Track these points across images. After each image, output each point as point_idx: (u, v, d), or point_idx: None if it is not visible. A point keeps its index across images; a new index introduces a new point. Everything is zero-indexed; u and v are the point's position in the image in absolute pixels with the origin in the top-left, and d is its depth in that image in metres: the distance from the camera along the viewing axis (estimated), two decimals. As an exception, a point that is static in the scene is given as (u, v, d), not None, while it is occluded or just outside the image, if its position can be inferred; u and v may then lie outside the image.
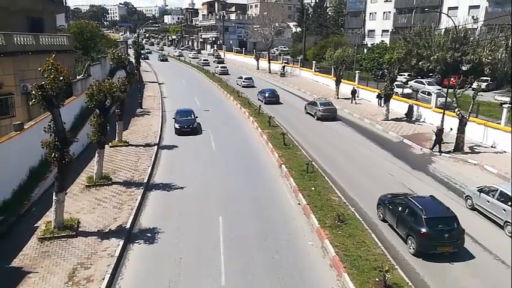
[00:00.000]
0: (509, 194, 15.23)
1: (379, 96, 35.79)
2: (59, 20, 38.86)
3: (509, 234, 14.77)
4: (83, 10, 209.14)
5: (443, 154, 23.85)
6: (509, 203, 14.94)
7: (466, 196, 17.61)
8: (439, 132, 24.19)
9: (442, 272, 12.84)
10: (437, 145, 24.20)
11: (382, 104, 34.19)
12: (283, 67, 60.68)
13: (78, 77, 29.10)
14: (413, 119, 32.24)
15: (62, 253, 13.19)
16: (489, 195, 16.13)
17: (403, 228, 14.42)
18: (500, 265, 13.28)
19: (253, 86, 48.22)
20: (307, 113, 34.35)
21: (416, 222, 13.72)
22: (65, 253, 13.20)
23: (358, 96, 40.11)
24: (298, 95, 44.38)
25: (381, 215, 16.12)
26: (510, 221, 14.79)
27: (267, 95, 39.46)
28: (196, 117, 29.62)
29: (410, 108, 32.36)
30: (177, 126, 28.20)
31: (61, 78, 13.34)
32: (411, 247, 13.77)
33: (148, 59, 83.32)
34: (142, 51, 60.86)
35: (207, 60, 76.62)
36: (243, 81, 49.65)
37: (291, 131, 28.71)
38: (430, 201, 15.11)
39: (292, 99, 41.49)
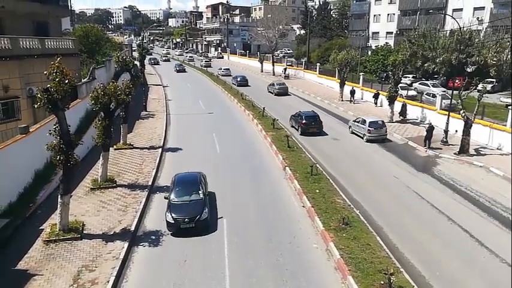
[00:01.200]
0: (366, 119, 27.37)
1: (375, 96, 37.80)
2: (64, 24, 39.19)
3: (365, 140, 26.45)
4: (88, 14, 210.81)
5: (446, 156, 23.75)
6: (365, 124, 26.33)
7: (349, 126, 29.10)
8: (430, 129, 25.26)
9: (444, 270, 12.75)
10: (427, 141, 25.26)
11: (378, 104, 37.34)
12: (285, 69, 61.44)
13: (83, 80, 29.31)
14: (406, 117, 32.76)
15: (67, 255, 13.24)
16: (357, 122, 27.67)
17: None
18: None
19: (230, 75, 59.75)
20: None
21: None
22: (70, 255, 13.25)
23: (354, 97, 40.44)
24: (302, 97, 44.30)
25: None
26: (366, 134, 26.41)
27: (238, 79, 52.10)
28: (207, 195, 16.43)
29: (404, 106, 32.84)
30: (170, 218, 14.94)
31: (66, 81, 13.44)
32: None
33: (157, 64, 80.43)
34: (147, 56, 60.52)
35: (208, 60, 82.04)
36: (222, 71, 63.62)
37: (294, 133, 28.72)
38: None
39: (294, 101, 41.50)
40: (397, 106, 32.73)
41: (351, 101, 39.90)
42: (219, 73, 63.36)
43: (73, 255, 13.26)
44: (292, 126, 30.60)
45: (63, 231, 14.26)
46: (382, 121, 27.67)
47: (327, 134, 28.82)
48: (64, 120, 13.92)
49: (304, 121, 28.72)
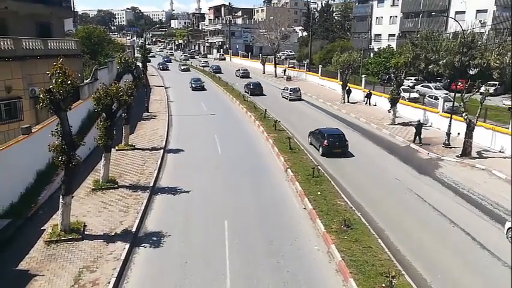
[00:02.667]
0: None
1: (367, 96, 39.94)
2: (67, 25, 39.28)
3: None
4: (90, 15, 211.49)
5: (448, 158, 23.70)
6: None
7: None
8: (419, 126, 26.59)
9: (446, 273, 12.69)
10: (418, 137, 26.50)
11: (370, 103, 39.52)
12: (285, 70, 62.11)
13: (85, 81, 29.36)
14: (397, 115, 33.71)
15: (68, 256, 13.23)
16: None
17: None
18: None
19: (221, 72, 66.99)
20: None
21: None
22: (71, 256, 13.24)
23: (349, 98, 41.50)
24: (304, 99, 44.27)
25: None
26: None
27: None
28: None
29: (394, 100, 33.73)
30: None
31: (68, 82, 13.45)
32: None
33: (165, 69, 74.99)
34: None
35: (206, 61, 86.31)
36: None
37: (296, 135, 28.68)
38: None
39: (296, 104, 41.51)
40: (412, 111, 32.68)
41: (345, 100, 40.93)
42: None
43: (74, 256, 13.25)
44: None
45: (65, 232, 14.26)
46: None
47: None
48: (66, 121, 13.94)
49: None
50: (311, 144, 26.65)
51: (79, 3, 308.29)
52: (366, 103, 39.92)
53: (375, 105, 39.18)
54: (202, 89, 50.16)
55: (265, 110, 34.91)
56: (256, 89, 47.28)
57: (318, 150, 25.09)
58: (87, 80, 29.81)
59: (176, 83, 57.10)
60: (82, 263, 12.86)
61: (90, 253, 13.44)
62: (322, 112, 37.53)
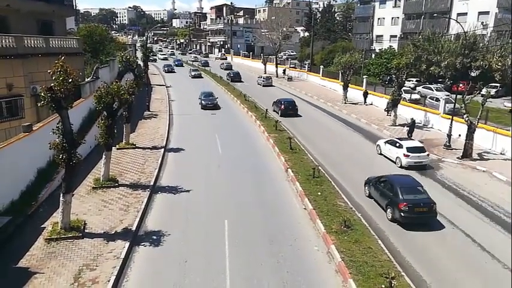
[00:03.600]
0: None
1: (364, 95, 40.41)
2: (68, 23, 39.27)
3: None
4: (92, 13, 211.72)
5: (449, 160, 23.70)
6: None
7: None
8: (412, 123, 27.93)
9: (446, 275, 12.68)
10: (409, 134, 27.37)
11: (366, 102, 40.29)
12: (284, 70, 62.79)
13: (86, 80, 29.39)
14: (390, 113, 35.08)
15: (68, 254, 13.25)
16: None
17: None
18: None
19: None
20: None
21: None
22: (71, 254, 13.25)
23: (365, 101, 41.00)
24: (305, 99, 44.27)
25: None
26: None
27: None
28: None
29: (391, 103, 35.44)
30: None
31: (70, 80, 13.46)
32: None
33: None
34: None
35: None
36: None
37: (297, 135, 28.69)
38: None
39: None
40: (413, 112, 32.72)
41: (346, 100, 41.01)
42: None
43: (74, 254, 13.26)
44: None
45: (65, 230, 14.27)
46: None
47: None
48: (67, 119, 13.95)
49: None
50: (274, 111, 36.37)
51: (81, 2, 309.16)
52: (366, 103, 40.48)
53: (371, 104, 40.05)
54: (215, 107, 38.46)
55: (266, 110, 34.95)
56: (236, 77, 58.60)
57: (278, 113, 35.25)
58: (89, 79, 29.83)
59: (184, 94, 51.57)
60: (82, 261, 12.87)
61: (90, 251, 13.45)
62: (323, 112, 37.49)
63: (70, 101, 14.08)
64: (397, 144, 23.10)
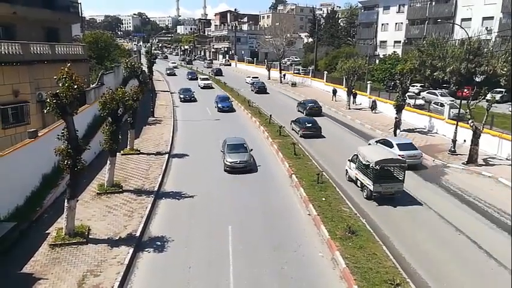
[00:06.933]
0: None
1: (353, 95, 41.81)
2: (74, 30, 39.62)
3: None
4: (98, 20, 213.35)
5: (454, 165, 23.55)
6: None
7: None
8: (397, 122, 29.42)
9: (452, 282, 12.55)
10: (394, 132, 29.03)
11: (355, 103, 42.23)
12: (284, 75, 64.09)
13: (91, 86, 29.59)
14: (376, 111, 38.61)
15: (72, 260, 13.27)
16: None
17: None
18: None
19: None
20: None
21: None
22: (75, 260, 13.27)
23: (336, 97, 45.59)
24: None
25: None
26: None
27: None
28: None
29: (374, 102, 39.15)
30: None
31: (75, 86, 13.58)
32: None
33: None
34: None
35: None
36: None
37: (303, 142, 28.65)
38: None
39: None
40: (418, 117, 32.62)
41: (350, 106, 41.16)
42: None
43: (78, 260, 13.28)
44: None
45: (69, 236, 14.31)
46: None
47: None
48: (72, 125, 14.05)
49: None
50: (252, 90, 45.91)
51: (87, 9, 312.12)
52: (355, 103, 42.53)
53: (360, 104, 42.44)
54: (230, 110, 39.95)
55: (270, 116, 34.99)
56: (218, 73, 68.71)
57: (253, 91, 44.14)
58: (94, 85, 30.03)
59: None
60: (86, 267, 12.88)
61: (94, 257, 13.47)
62: (329, 119, 37.42)
63: (75, 107, 14.19)
64: (389, 144, 23.76)
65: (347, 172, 21.27)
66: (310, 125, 30.77)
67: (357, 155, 19.82)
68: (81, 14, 53.55)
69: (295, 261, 13.73)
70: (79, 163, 14.13)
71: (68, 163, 13.92)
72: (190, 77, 65.95)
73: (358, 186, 19.78)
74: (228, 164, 22.35)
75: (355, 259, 13.41)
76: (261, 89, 52.20)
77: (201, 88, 54.75)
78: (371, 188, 18.40)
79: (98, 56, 39.36)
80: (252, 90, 52.98)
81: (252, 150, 23.83)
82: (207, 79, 58.92)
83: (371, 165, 18.14)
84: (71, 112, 13.93)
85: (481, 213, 17.62)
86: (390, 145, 23.43)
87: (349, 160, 21.05)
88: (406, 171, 19.06)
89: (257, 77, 62.06)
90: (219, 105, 39.89)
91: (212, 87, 55.69)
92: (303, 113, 37.50)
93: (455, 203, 18.70)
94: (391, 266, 13.15)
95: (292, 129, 32.17)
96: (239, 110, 40.80)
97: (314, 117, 33.49)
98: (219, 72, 72.09)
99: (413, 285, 12.21)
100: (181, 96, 46.19)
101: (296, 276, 12.85)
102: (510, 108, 34.52)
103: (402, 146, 23.07)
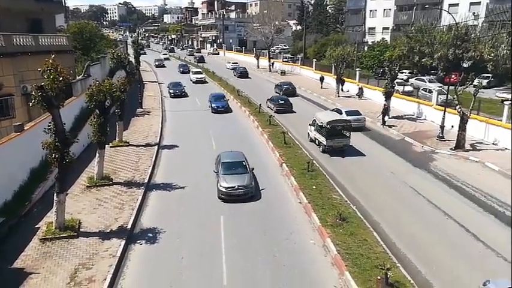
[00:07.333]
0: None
1: (340, 82, 41.75)
2: (58, 20, 38.88)
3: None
4: (82, 10, 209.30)
5: (442, 151, 23.87)
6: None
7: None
8: (385, 110, 29.68)
9: (441, 265, 12.80)
10: (382, 120, 29.61)
11: (343, 89, 42.02)
12: (273, 63, 63.69)
13: (77, 78, 29.11)
14: (362, 98, 39.25)
15: (63, 254, 13.19)
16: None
17: None
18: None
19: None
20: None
21: None
22: (67, 254, 13.20)
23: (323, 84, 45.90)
24: (299, 93, 44.21)
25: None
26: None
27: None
28: None
29: (360, 89, 39.60)
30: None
31: (60, 78, 13.32)
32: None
33: None
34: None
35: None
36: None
37: (291, 129, 28.69)
38: None
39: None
40: (407, 104, 32.84)
41: (339, 93, 41.45)
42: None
43: (69, 253, 13.21)
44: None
45: (60, 230, 14.20)
46: None
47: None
48: (59, 118, 13.83)
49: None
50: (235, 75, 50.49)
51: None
52: (341, 90, 42.37)
53: (348, 91, 42.69)
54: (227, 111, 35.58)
55: (260, 105, 34.90)
56: (201, 60, 73.31)
57: (235, 75, 50.22)
58: (80, 77, 29.56)
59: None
60: (78, 260, 12.82)
61: (86, 250, 13.41)
62: (317, 106, 37.46)
63: (61, 99, 13.95)
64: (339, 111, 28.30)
65: (308, 135, 26.22)
66: (282, 102, 35.68)
67: (314, 119, 24.77)
68: (65, 3, 52.50)
69: (287, 249, 13.85)
70: (67, 156, 13.97)
71: (56, 157, 13.74)
72: (181, 70, 61.80)
73: (316, 144, 24.84)
74: (223, 190, 17.32)
75: (346, 245, 13.58)
76: (243, 74, 56.91)
77: (193, 83, 51.30)
78: (325, 143, 23.34)
79: (83, 47, 38.69)
80: (234, 75, 57.51)
81: (253, 169, 19.19)
82: (199, 72, 54.93)
83: (324, 125, 23.12)
84: (57, 105, 13.70)
85: (468, 197, 17.92)
86: (340, 112, 28.30)
87: (309, 124, 26.00)
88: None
89: (237, 63, 67.16)
90: (213, 105, 35.17)
91: (205, 82, 52.31)
92: (279, 93, 41.39)
93: (443, 188, 18.98)
94: (382, 251, 13.35)
95: (268, 107, 35.88)
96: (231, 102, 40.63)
97: (288, 97, 38.01)
98: (201, 60, 75.92)
99: (403, 270, 12.44)
100: (171, 91, 42.89)
101: (288, 264, 12.98)
102: (502, 94, 34.93)
103: (349, 112, 28.70)
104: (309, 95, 43.36)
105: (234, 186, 17.30)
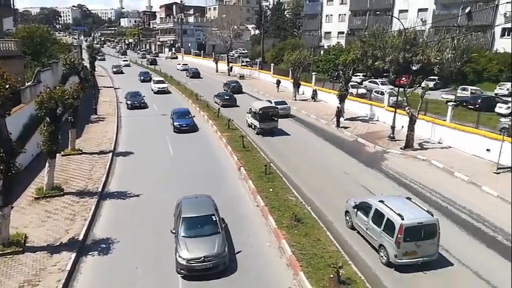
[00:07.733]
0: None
1: (277, 83, 47.89)
2: (6, 24, 37.12)
3: None
4: (33, 13, 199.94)
5: (393, 151, 24.95)
6: None
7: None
8: (339, 112, 31.08)
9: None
10: (337, 122, 30.95)
11: (298, 92, 42.92)
12: (231, 68, 64.93)
13: (27, 84, 27.81)
14: (317, 100, 41.36)
15: (7, 271, 12.51)
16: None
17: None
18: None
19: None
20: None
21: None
22: (11, 271, 12.54)
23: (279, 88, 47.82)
24: (257, 96, 44.56)
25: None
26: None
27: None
28: None
29: (315, 91, 41.87)
30: None
31: (7, 86, 12.74)
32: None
33: None
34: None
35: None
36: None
37: (249, 133, 28.96)
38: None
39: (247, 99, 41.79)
40: (360, 106, 33.86)
41: (296, 97, 42.35)
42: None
43: (14, 271, 12.56)
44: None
45: (3, 246, 13.45)
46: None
47: (286, 134, 29.32)
48: (4, 127, 13.22)
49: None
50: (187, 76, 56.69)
51: (20, 1, 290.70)
52: (300, 93, 43.96)
53: (303, 94, 44.27)
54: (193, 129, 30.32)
55: (219, 109, 34.87)
56: (153, 62, 76.46)
57: (188, 76, 58.23)
58: (29, 83, 28.26)
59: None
60: (23, 278, 12.23)
61: (32, 266, 12.82)
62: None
63: (7, 108, 13.33)
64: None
65: (247, 121, 31.19)
66: (228, 97, 40.47)
67: (251, 108, 30.12)
68: (14, 6, 50.05)
69: (244, 252, 13.93)
70: (13, 167, 13.32)
71: (1, 168, 13.08)
72: (142, 78, 56.52)
73: (253, 128, 29.87)
74: (184, 263, 12.49)
75: (300, 246, 13.88)
76: (195, 74, 62.03)
77: (155, 93, 46.63)
78: (258, 126, 28.70)
79: (33, 52, 37.03)
80: (187, 75, 62.35)
81: (226, 225, 14.58)
82: (162, 81, 49.49)
83: (257, 111, 28.53)
84: (2, 113, 13.08)
85: (415, 193, 18.80)
86: (271, 102, 33.64)
87: (247, 112, 31.26)
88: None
89: (186, 64, 71.82)
90: (176, 123, 29.86)
91: (169, 92, 47.70)
92: (227, 90, 45.79)
93: (393, 186, 19.84)
94: (335, 250, 13.77)
95: (215, 102, 40.19)
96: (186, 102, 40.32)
97: (234, 94, 42.79)
98: (154, 62, 78.49)
99: (354, 267, 12.89)
100: (129, 102, 39.03)
101: (244, 268, 13.07)
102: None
103: (277, 103, 33.93)
104: (254, 93, 46.49)
105: (199, 258, 12.47)
